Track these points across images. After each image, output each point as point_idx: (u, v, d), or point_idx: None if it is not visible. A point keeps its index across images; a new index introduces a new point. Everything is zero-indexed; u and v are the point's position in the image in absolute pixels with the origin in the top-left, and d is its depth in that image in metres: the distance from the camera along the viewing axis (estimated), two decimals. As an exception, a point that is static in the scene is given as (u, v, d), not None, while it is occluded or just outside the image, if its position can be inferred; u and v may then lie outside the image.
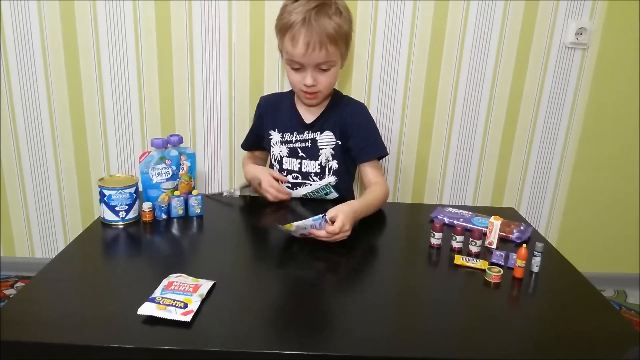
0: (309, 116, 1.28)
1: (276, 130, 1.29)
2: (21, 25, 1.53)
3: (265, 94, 1.41)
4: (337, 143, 1.26)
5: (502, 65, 1.60)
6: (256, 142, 1.38)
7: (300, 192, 1.28)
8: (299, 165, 1.26)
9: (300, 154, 1.27)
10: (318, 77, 1.17)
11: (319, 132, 1.26)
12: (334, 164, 1.26)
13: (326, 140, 1.26)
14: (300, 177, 1.27)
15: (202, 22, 1.53)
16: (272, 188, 1.20)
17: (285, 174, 1.28)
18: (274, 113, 1.31)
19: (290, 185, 1.28)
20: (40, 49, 1.55)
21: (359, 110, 1.31)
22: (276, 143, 1.28)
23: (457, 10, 1.54)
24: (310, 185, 1.27)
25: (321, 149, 1.26)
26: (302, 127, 1.27)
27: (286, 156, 1.27)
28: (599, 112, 1.66)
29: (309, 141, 1.26)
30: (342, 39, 1.16)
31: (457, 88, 1.62)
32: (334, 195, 1.28)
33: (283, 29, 1.14)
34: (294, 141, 1.27)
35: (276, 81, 1.59)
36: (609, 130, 1.69)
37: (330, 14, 1.12)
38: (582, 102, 1.65)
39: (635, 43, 1.59)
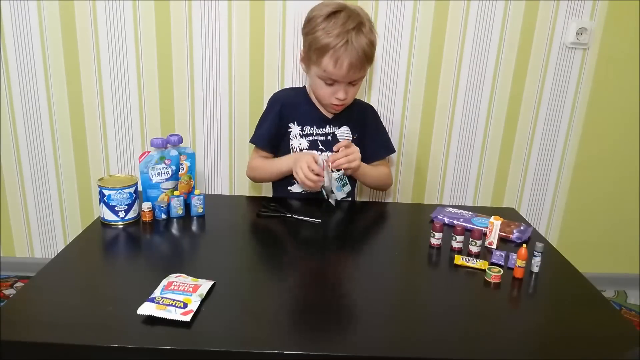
0: (327, 112, 1.33)
1: (295, 123, 1.32)
2: (21, 25, 1.53)
3: (276, 91, 1.41)
4: (353, 138, 1.34)
5: (502, 65, 1.60)
6: (276, 136, 1.33)
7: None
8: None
9: (320, 146, 1.31)
10: (348, 91, 1.23)
11: (337, 127, 1.33)
12: None
13: (345, 134, 1.33)
14: None
15: (202, 22, 1.53)
16: (305, 172, 1.16)
17: None
18: (292, 107, 1.33)
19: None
20: (40, 49, 1.55)
21: (372, 111, 1.42)
22: (295, 136, 1.31)
23: (457, 10, 1.54)
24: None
25: None
26: (322, 121, 1.32)
27: (306, 149, 1.31)
28: (600, 112, 1.66)
29: (330, 135, 1.32)
30: (374, 54, 1.22)
31: (458, 88, 1.62)
32: (348, 187, 1.31)
33: (323, 49, 1.15)
34: (314, 134, 1.31)
35: (276, 81, 1.59)
36: (609, 130, 1.69)
37: (366, 32, 1.16)
38: (583, 102, 1.65)
39: (636, 43, 1.59)
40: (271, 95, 1.38)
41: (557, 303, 0.83)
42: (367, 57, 1.17)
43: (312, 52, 1.18)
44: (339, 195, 1.25)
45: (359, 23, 1.15)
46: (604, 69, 1.61)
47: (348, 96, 1.23)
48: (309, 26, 1.20)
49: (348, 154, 1.19)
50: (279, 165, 1.28)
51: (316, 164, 1.17)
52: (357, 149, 1.22)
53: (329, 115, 1.33)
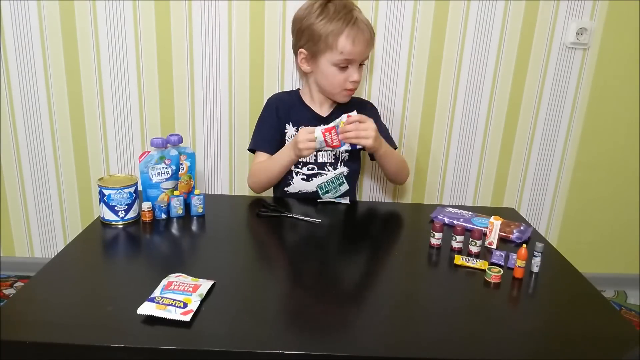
0: (321, 111, 1.34)
1: (290, 124, 1.33)
2: (21, 25, 1.53)
3: (270, 95, 1.40)
4: None
5: (502, 65, 1.60)
6: (277, 138, 1.33)
7: (315, 182, 1.30)
8: (314, 157, 1.31)
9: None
10: (360, 72, 1.27)
11: None
12: (346, 156, 1.33)
13: None
14: (316, 168, 1.31)
15: (202, 22, 1.53)
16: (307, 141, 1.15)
17: (300, 166, 1.31)
18: (287, 108, 1.34)
19: (305, 177, 1.31)
20: (40, 49, 1.55)
21: (371, 107, 1.42)
22: (291, 137, 1.32)
23: (457, 10, 1.54)
24: (326, 174, 1.30)
25: None
26: (316, 120, 1.33)
27: None
28: (600, 112, 1.66)
29: None
30: None
31: (458, 88, 1.62)
32: (345, 186, 1.32)
33: (336, 33, 1.19)
34: None
35: (276, 81, 1.59)
36: (609, 130, 1.69)
37: (362, 14, 1.25)
38: (583, 102, 1.65)
39: (636, 43, 1.59)
40: (266, 100, 1.39)
41: (557, 303, 0.83)
42: (373, 35, 1.26)
43: (322, 42, 1.20)
44: (329, 196, 1.27)
45: (353, 7, 1.23)
46: (604, 69, 1.61)
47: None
48: (306, 23, 1.22)
49: (359, 128, 1.12)
50: (279, 157, 1.26)
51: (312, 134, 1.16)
52: (373, 125, 1.14)
53: (324, 114, 1.34)
